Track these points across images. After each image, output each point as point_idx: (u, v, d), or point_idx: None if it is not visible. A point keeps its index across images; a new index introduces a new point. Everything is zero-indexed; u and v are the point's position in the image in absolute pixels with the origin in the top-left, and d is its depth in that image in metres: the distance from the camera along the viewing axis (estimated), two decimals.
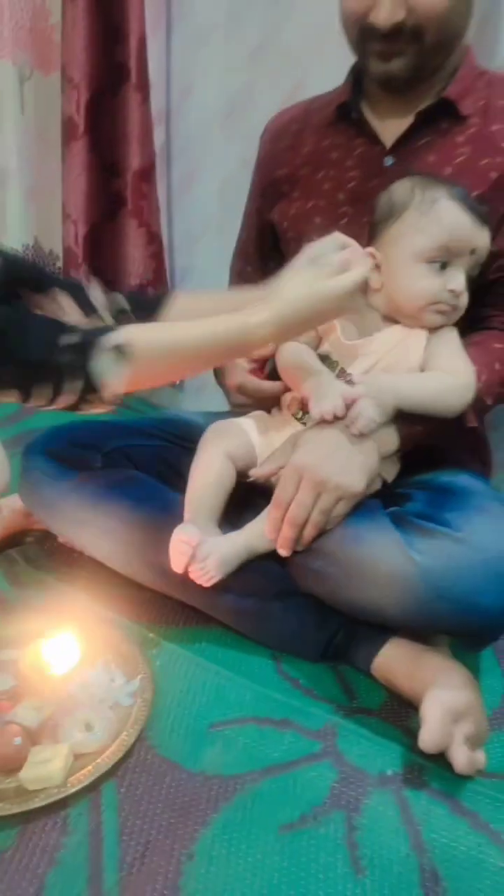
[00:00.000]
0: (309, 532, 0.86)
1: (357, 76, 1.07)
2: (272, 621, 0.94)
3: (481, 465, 1.11)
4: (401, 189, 0.92)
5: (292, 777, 0.77)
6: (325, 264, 0.86)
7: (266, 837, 0.70)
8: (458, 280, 0.89)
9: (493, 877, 0.67)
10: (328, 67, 1.14)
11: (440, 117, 1.01)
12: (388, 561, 0.81)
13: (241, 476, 0.98)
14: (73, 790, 0.72)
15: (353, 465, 0.86)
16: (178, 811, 0.72)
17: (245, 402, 1.07)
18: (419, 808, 0.74)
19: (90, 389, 0.78)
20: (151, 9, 1.50)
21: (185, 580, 0.94)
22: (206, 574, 0.89)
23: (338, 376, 0.94)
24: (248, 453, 0.98)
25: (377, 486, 0.93)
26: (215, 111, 1.52)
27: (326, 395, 0.88)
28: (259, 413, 1.05)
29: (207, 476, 0.96)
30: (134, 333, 0.80)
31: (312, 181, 1.10)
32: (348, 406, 0.86)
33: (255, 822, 0.72)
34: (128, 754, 0.77)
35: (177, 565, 0.90)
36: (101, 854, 0.68)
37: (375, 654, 0.89)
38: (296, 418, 0.97)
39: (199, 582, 0.90)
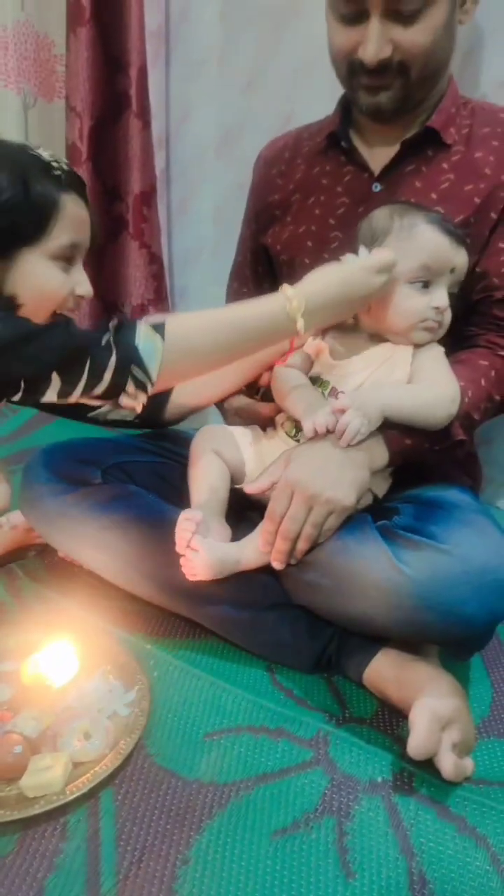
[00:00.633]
0: (301, 545, 0.89)
1: (346, 106, 1.11)
2: (266, 632, 0.96)
3: (470, 480, 1.14)
4: (380, 216, 0.96)
5: (285, 784, 0.79)
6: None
7: (259, 842, 0.72)
8: (441, 297, 0.93)
9: (479, 879, 0.69)
10: (318, 97, 1.19)
11: (426, 145, 1.05)
12: (377, 572, 0.83)
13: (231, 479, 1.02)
14: (72, 797, 0.74)
15: (343, 479, 0.89)
16: (174, 817, 0.74)
17: (242, 425, 1.11)
18: (408, 814, 0.76)
19: (128, 369, 0.80)
20: (151, 41, 1.56)
21: (181, 592, 0.97)
22: (194, 569, 0.91)
23: (329, 395, 0.97)
24: (235, 456, 1.02)
25: (368, 500, 0.96)
26: (211, 138, 1.57)
27: (317, 411, 0.91)
28: (252, 426, 1.08)
29: (205, 476, 1.00)
30: (171, 315, 0.85)
31: (304, 207, 1.14)
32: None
33: (248, 827, 0.74)
34: (125, 762, 0.79)
35: (180, 544, 0.91)
36: (99, 859, 0.70)
37: (367, 664, 0.91)
38: (289, 436, 1.01)
39: (186, 574, 0.92)
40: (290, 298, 0.86)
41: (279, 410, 1.05)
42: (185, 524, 0.92)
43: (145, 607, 1.04)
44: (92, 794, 0.76)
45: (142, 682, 0.89)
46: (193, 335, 0.85)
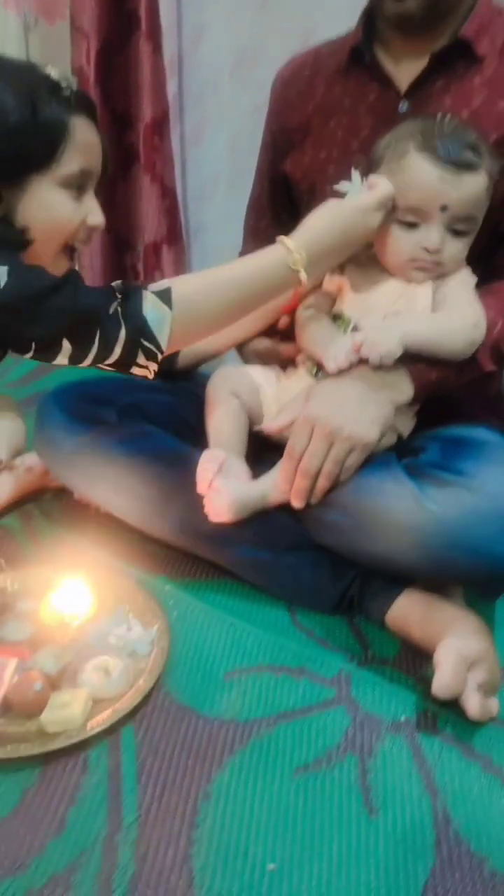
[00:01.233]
0: (322, 483, 0.86)
1: (369, 19, 1.03)
2: (286, 573, 0.95)
3: (497, 419, 1.10)
4: (383, 140, 0.90)
5: (307, 722, 0.78)
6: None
7: (281, 779, 0.71)
8: (430, 238, 0.87)
9: None
10: (339, 12, 1.11)
11: (456, 59, 0.98)
12: (401, 511, 0.81)
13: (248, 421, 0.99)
14: (93, 733, 0.74)
15: (365, 415, 0.85)
16: (195, 754, 0.74)
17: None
18: (432, 753, 0.75)
19: (138, 342, 0.80)
20: None
21: (200, 533, 0.95)
22: (217, 509, 0.89)
23: (352, 331, 0.93)
24: (253, 398, 0.99)
25: (392, 440, 0.92)
26: (225, 60, 1.49)
27: (339, 346, 0.87)
28: (271, 366, 1.05)
29: (223, 417, 0.97)
30: (174, 279, 0.84)
31: (325, 130, 1.07)
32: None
33: (269, 764, 0.73)
34: (145, 700, 0.79)
35: (201, 484, 0.90)
36: (121, 793, 0.70)
37: (390, 604, 0.89)
38: (311, 374, 0.97)
39: (209, 516, 0.90)
40: (291, 251, 0.85)
41: (300, 350, 1.01)
42: (207, 464, 0.90)
43: (163, 548, 1.03)
44: (112, 730, 0.75)
45: (161, 622, 0.88)
46: (199, 300, 0.84)
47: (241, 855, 0.64)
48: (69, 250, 0.90)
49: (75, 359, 0.81)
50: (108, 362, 0.82)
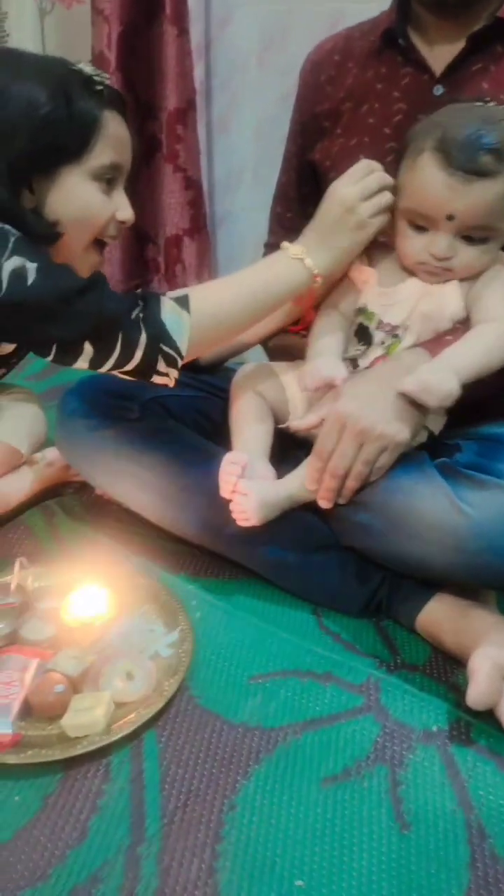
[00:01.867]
0: (351, 484, 0.83)
1: (403, 1, 1.00)
2: (312, 575, 0.92)
3: None
4: (416, 126, 0.86)
5: (334, 731, 0.76)
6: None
7: (308, 789, 0.69)
8: (437, 245, 0.83)
9: None
10: None
11: (494, 41, 0.94)
12: (435, 513, 0.78)
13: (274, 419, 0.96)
14: (115, 738, 0.72)
15: (397, 413, 0.82)
16: (220, 761, 0.72)
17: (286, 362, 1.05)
18: (465, 765, 0.72)
19: (158, 346, 0.81)
20: None
21: (223, 532, 0.93)
22: (244, 513, 0.86)
23: (377, 328, 0.91)
24: (278, 395, 0.96)
25: (423, 438, 0.90)
26: (253, 45, 1.45)
27: (314, 368, 0.87)
28: (296, 362, 1.02)
29: (247, 416, 0.94)
30: (192, 288, 0.86)
31: (356, 116, 1.04)
32: None
33: (297, 774, 0.71)
34: (168, 704, 0.77)
35: (224, 487, 0.87)
36: (144, 802, 0.68)
37: (420, 609, 0.86)
38: None
39: (237, 519, 0.87)
40: (301, 256, 0.86)
41: None
42: (230, 467, 0.87)
43: (185, 546, 1.01)
44: (135, 735, 0.73)
45: (184, 623, 0.86)
46: (218, 310, 0.85)
47: (268, 869, 0.62)
48: (99, 245, 0.90)
49: (96, 363, 0.81)
50: (128, 368, 0.82)
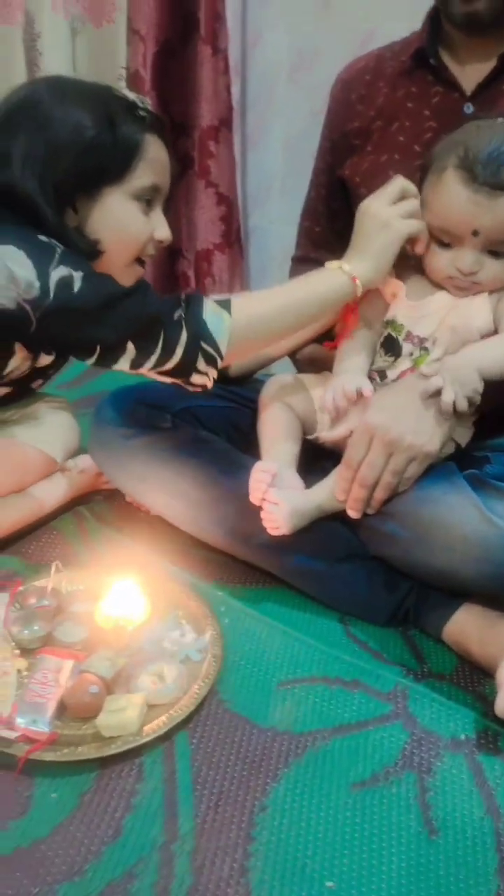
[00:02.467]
0: (380, 494, 0.85)
1: (434, 20, 1.02)
2: (340, 584, 0.94)
3: None
4: (439, 144, 0.87)
5: (363, 737, 0.77)
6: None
7: (338, 793, 0.70)
8: (464, 260, 0.84)
9: None
10: (398, 14, 1.09)
11: None
12: (464, 524, 0.79)
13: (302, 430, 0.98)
14: (148, 738, 0.73)
15: (426, 425, 0.84)
16: (250, 764, 0.73)
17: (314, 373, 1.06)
18: (493, 774, 0.73)
19: (198, 345, 0.83)
20: None
21: (253, 541, 0.94)
22: (275, 522, 0.87)
23: (405, 339, 0.92)
24: (307, 406, 0.98)
25: (450, 450, 0.91)
26: (284, 63, 1.48)
27: (336, 384, 0.88)
28: (325, 373, 1.03)
29: (276, 427, 0.96)
30: (235, 294, 0.90)
31: (386, 133, 1.06)
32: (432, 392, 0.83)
33: (325, 778, 0.72)
34: (199, 707, 0.78)
35: (254, 495, 0.88)
36: (176, 802, 0.69)
37: (447, 619, 0.87)
38: None
39: (267, 528, 0.88)
40: (340, 265, 0.88)
41: None
42: (260, 475, 0.89)
43: (215, 554, 1.02)
44: (167, 736, 0.75)
45: (213, 629, 0.88)
46: (259, 312, 0.88)
47: (299, 870, 0.63)
48: (139, 262, 0.93)
49: (137, 363, 0.83)
50: (168, 366, 0.85)
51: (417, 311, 0.92)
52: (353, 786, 0.71)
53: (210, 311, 0.84)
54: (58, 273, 0.78)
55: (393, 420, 0.84)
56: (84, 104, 0.85)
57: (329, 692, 0.82)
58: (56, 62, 1.66)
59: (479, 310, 0.89)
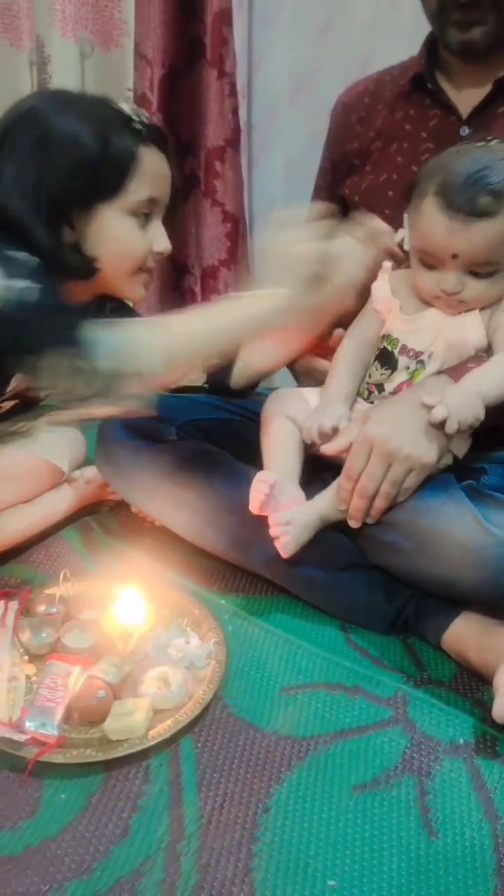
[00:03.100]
0: (379, 504, 0.87)
1: (431, 46, 1.05)
2: (341, 592, 0.95)
3: None
4: (425, 167, 0.90)
5: (364, 741, 0.78)
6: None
7: (339, 796, 0.72)
8: (447, 282, 0.86)
9: None
10: (398, 39, 1.13)
11: None
12: (462, 533, 0.81)
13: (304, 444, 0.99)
14: (154, 742, 0.75)
15: (424, 436, 0.86)
16: (253, 767, 0.75)
17: (315, 386, 1.08)
18: (492, 777, 0.74)
19: (120, 366, 0.76)
20: None
21: (255, 550, 0.96)
22: (287, 545, 0.90)
23: (400, 353, 0.94)
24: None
25: (448, 461, 0.92)
26: (285, 86, 1.52)
27: (324, 413, 0.92)
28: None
29: (278, 439, 0.98)
30: (167, 316, 0.84)
31: (385, 154, 1.09)
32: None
33: (327, 781, 0.74)
34: (204, 712, 0.80)
35: (254, 504, 0.90)
36: (182, 803, 0.71)
37: (446, 627, 0.89)
38: (362, 398, 0.98)
39: (279, 549, 0.91)
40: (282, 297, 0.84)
41: None
42: (260, 486, 0.91)
43: (218, 563, 1.04)
44: (172, 740, 0.77)
45: (217, 635, 0.90)
46: (184, 326, 0.83)
47: (301, 870, 0.65)
48: (143, 273, 0.93)
49: (61, 385, 0.78)
50: (92, 389, 0.77)
51: (411, 324, 0.94)
52: (354, 788, 0.73)
53: (140, 327, 0.80)
54: (17, 283, 0.75)
55: (391, 432, 0.86)
56: (80, 119, 0.84)
57: (330, 698, 0.84)
58: (65, 85, 1.70)
59: (471, 325, 0.91)
